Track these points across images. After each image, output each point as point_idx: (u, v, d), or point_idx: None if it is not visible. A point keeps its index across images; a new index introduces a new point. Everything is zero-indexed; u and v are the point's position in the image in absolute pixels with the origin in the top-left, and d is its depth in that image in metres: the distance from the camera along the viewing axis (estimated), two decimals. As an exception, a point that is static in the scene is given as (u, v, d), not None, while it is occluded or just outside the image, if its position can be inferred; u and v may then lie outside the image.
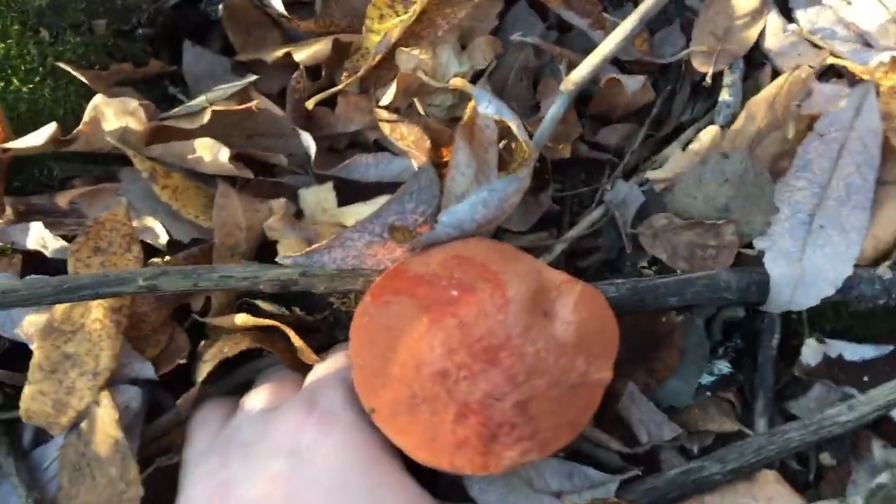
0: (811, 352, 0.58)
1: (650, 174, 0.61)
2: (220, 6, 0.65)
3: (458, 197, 0.56)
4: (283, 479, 0.45)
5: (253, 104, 0.58)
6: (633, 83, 0.64)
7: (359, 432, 0.48)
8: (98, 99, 0.57)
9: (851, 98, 0.57)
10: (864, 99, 0.57)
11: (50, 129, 0.57)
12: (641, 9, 0.58)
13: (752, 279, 0.57)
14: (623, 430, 0.57)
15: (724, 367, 0.60)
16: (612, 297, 0.56)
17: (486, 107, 0.55)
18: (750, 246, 0.58)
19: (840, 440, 0.58)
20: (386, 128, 0.61)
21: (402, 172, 0.62)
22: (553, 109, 0.57)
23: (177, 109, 0.60)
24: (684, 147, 0.63)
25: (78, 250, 0.55)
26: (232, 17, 0.66)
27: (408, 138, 0.61)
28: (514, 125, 0.54)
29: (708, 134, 0.61)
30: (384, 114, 0.61)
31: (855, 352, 0.58)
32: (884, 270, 0.56)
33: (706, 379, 0.59)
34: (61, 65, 0.59)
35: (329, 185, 0.62)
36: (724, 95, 0.65)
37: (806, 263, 0.56)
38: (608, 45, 0.58)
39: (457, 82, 0.59)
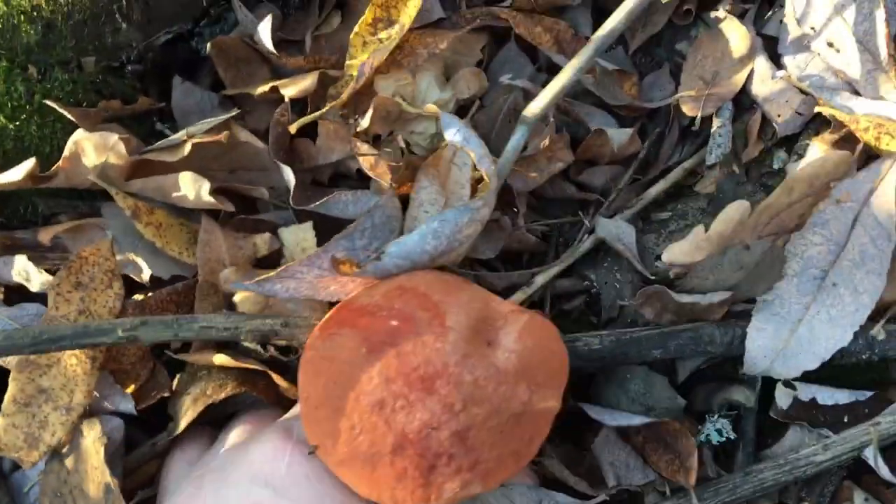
0: (783, 395, 0.58)
1: (666, 256, 0.58)
2: (210, 43, 0.65)
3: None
4: None
5: (223, 135, 0.58)
6: (620, 136, 0.63)
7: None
8: (78, 134, 0.58)
9: (869, 173, 0.57)
10: (882, 174, 0.57)
11: (28, 164, 0.58)
12: (593, 43, 0.58)
13: (735, 334, 0.57)
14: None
15: (725, 427, 0.59)
16: (595, 348, 0.56)
17: (454, 134, 0.56)
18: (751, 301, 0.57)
19: (816, 481, 0.58)
20: (361, 159, 0.61)
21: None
22: (513, 140, 0.58)
23: (159, 143, 0.60)
24: (672, 185, 0.63)
25: (59, 284, 0.56)
26: (221, 53, 0.67)
27: (376, 170, 0.61)
28: (476, 154, 0.54)
29: (735, 212, 0.57)
30: (359, 143, 0.61)
31: (829, 396, 0.58)
32: (878, 332, 0.56)
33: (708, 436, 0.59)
34: (49, 102, 0.59)
35: (308, 225, 0.62)
36: (716, 136, 0.64)
37: (801, 329, 0.56)
38: (565, 75, 0.58)
39: (430, 108, 0.59)
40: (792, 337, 0.55)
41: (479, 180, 0.60)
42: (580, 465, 0.59)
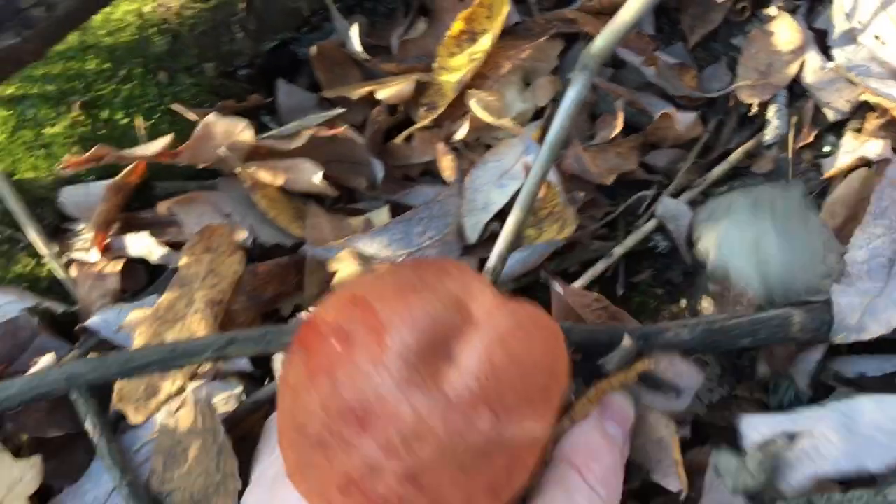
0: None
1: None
2: (314, 47, 0.73)
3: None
4: None
5: (342, 129, 0.66)
6: (686, 118, 0.70)
7: None
8: (209, 117, 0.65)
9: None
10: None
11: (164, 140, 0.66)
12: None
13: (823, 320, 0.57)
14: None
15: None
16: (684, 339, 0.55)
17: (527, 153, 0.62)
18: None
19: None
20: (442, 163, 0.69)
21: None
22: (573, 89, 0.55)
23: (274, 132, 0.69)
24: (732, 167, 0.70)
25: (192, 246, 0.63)
26: (320, 57, 0.75)
27: (445, 168, 0.69)
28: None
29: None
30: (442, 150, 0.69)
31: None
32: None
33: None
34: (175, 107, 0.68)
35: (385, 209, 0.69)
36: (772, 120, 0.71)
37: (882, 298, 0.57)
38: (627, 12, 0.54)
39: (506, 124, 0.66)
40: (881, 295, 0.57)
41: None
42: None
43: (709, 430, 0.62)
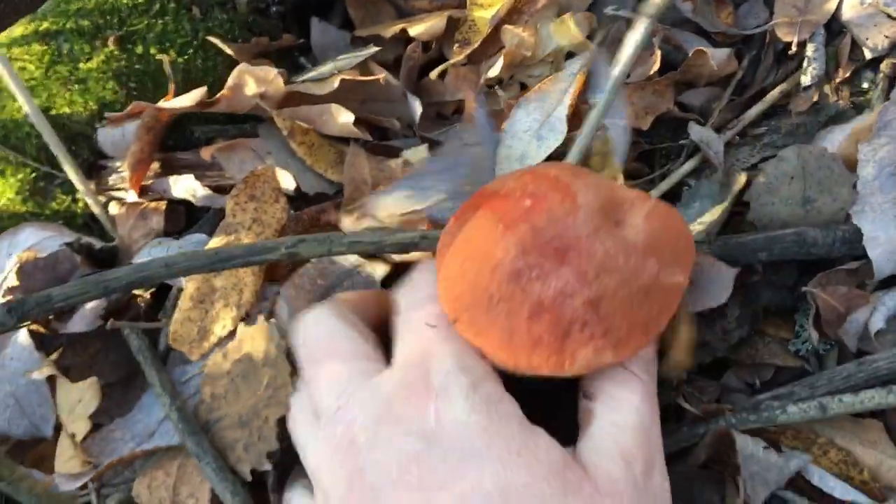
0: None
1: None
2: (345, -14, 0.73)
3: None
4: (416, 460, 0.44)
5: (381, 76, 0.66)
6: (720, 55, 0.69)
7: (478, 399, 0.46)
8: (242, 67, 0.66)
9: None
10: None
11: (199, 92, 0.66)
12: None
13: (836, 235, 0.60)
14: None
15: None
16: (705, 252, 0.59)
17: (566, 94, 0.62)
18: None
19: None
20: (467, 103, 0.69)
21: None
22: (634, 35, 0.60)
23: (308, 75, 0.68)
24: (770, 107, 0.69)
25: (237, 195, 0.63)
26: (354, -1, 0.74)
27: (470, 114, 0.69)
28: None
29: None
30: (468, 92, 0.69)
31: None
32: None
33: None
34: (211, 38, 0.67)
35: (425, 147, 0.69)
36: (811, 59, 0.70)
37: None
38: None
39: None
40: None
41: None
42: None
43: (729, 366, 0.63)
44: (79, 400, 0.59)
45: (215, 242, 0.63)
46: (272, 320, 0.61)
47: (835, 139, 0.67)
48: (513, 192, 0.50)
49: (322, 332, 0.53)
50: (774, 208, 0.63)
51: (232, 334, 0.62)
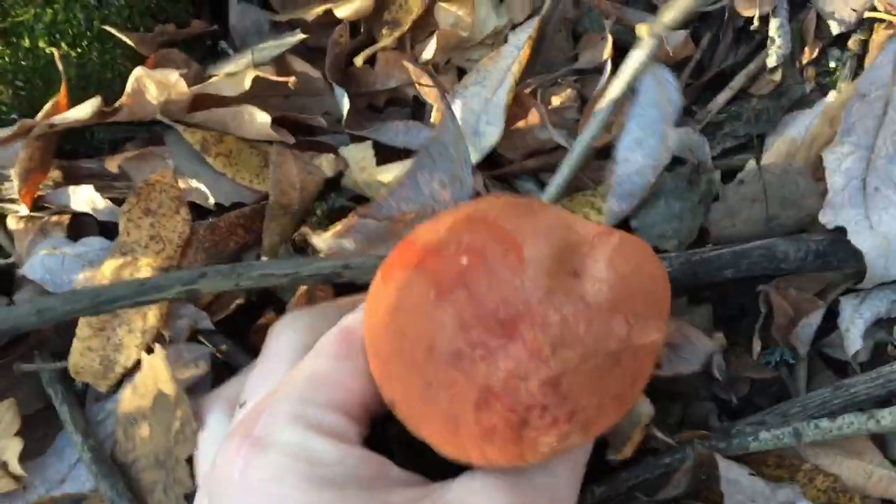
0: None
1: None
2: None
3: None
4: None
5: (291, 80, 0.59)
6: (675, 38, 0.63)
7: (301, 458, 0.39)
8: (139, 71, 0.58)
9: (886, 54, 0.56)
10: None
11: (94, 102, 0.58)
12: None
13: (809, 249, 0.55)
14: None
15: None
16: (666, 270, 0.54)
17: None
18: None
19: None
20: (423, 91, 0.62)
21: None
22: (643, 54, 0.55)
23: (225, 69, 0.61)
24: (735, 93, 0.64)
25: (129, 211, 0.57)
26: (277, -28, 0.67)
27: (430, 96, 0.62)
28: None
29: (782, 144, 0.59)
30: (421, 74, 0.62)
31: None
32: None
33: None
34: (108, 28, 0.60)
35: (368, 144, 0.63)
36: (775, 38, 0.64)
37: (882, 230, 0.55)
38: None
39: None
40: (886, 239, 0.55)
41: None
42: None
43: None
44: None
45: (109, 265, 0.57)
46: (166, 348, 0.55)
47: (801, 125, 0.62)
48: (446, 246, 0.42)
49: (281, 337, 0.48)
50: (736, 230, 0.58)
51: (139, 364, 0.56)
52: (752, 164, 0.58)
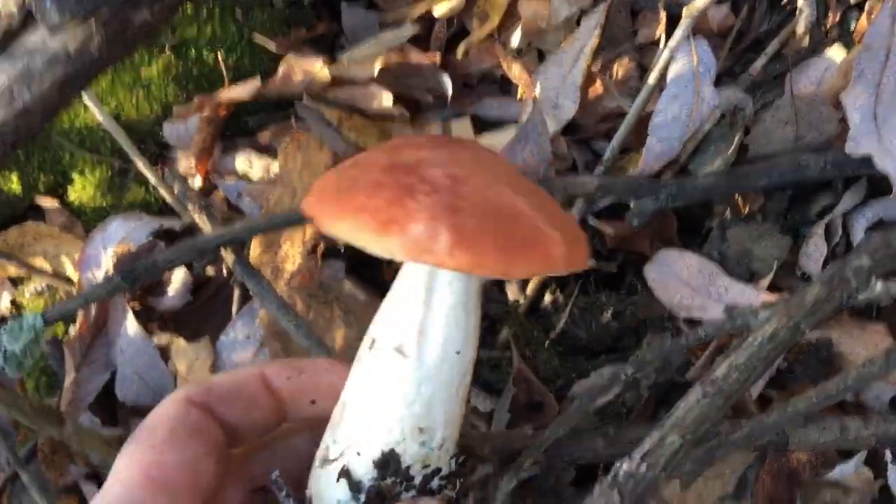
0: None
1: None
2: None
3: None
4: None
5: (427, 59, 0.74)
6: (719, 13, 0.76)
7: None
8: (290, 56, 0.74)
9: (883, 10, 0.68)
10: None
11: (253, 81, 0.74)
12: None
13: (827, 158, 0.67)
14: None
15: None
16: (712, 183, 0.68)
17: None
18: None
19: None
20: (514, 76, 0.76)
21: (519, 114, 0.77)
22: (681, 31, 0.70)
23: (347, 55, 0.76)
24: (770, 57, 0.76)
25: (286, 147, 0.72)
26: (375, -21, 0.81)
27: (519, 78, 0.76)
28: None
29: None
30: (511, 63, 0.76)
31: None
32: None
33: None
34: (256, 38, 0.75)
35: (467, 119, 0.77)
36: (803, 8, 0.76)
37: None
38: None
39: None
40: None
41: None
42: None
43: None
44: (196, 358, 0.70)
45: (274, 195, 0.72)
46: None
47: (822, 68, 0.74)
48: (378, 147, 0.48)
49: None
50: (771, 147, 0.71)
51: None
52: (787, 94, 0.71)
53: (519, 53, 0.78)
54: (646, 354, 0.50)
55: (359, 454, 0.42)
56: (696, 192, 0.67)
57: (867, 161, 0.65)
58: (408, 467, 0.42)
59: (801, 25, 0.76)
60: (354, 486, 0.42)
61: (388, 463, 0.42)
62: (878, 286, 0.43)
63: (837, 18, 0.76)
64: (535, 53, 0.79)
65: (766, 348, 0.43)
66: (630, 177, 0.70)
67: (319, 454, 0.44)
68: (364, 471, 0.42)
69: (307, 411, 0.46)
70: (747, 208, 0.70)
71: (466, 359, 0.43)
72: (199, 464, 0.42)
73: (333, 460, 0.43)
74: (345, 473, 0.42)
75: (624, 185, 0.68)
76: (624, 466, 0.42)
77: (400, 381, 0.42)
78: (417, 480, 0.43)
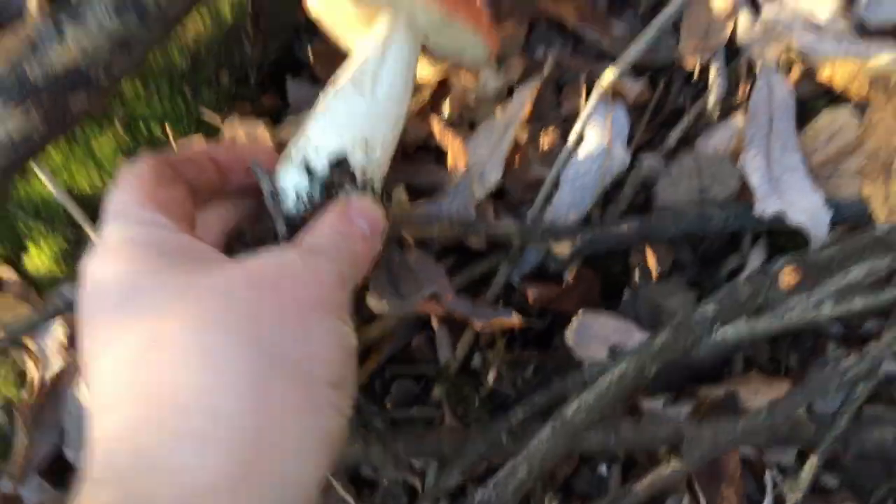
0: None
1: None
2: (310, 50, 0.84)
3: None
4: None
5: None
6: (636, 86, 0.81)
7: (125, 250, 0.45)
8: (231, 121, 0.78)
9: (761, 78, 0.77)
10: (770, 80, 0.77)
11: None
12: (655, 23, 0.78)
13: (730, 212, 0.73)
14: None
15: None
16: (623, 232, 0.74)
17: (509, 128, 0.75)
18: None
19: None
20: (446, 144, 0.81)
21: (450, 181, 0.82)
22: (593, 101, 0.77)
23: (292, 121, 0.81)
24: (685, 130, 0.82)
25: None
26: (316, 57, 0.86)
27: (451, 147, 0.81)
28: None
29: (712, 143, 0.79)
30: (446, 133, 0.81)
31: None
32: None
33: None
34: (203, 111, 0.79)
35: (401, 187, 0.82)
36: (715, 80, 0.82)
37: (800, 205, 0.72)
38: (631, 53, 0.77)
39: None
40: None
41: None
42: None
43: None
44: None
45: None
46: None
47: (725, 133, 0.80)
48: None
49: None
50: (677, 197, 0.76)
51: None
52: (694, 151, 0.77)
53: (451, 125, 0.83)
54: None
55: (317, 149, 0.57)
56: (610, 239, 0.74)
57: (774, 217, 0.71)
58: (353, 170, 0.57)
59: (712, 98, 0.81)
60: (311, 172, 0.56)
61: (340, 163, 0.57)
62: (719, 333, 0.48)
63: (747, 90, 0.82)
64: (468, 126, 0.84)
65: (613, 390, 0.47)
66: (548, 223, 0.76)
67: (283, 157, 0.58)
68: (320, 165, 0.56)
69: (243, 179, 0.57)
70: (659, 269, 0.75)
71: (403, 105, 0.62)
72: (186, 202, 0.52)
73: (296, 158, 0.57)
74: (303, 161, 0.57)
75: (543, 231, 0.73)
76: (478, 493, 0.47)
77: (357, 105, 0.59)
78: (359, 181, 0.57)
